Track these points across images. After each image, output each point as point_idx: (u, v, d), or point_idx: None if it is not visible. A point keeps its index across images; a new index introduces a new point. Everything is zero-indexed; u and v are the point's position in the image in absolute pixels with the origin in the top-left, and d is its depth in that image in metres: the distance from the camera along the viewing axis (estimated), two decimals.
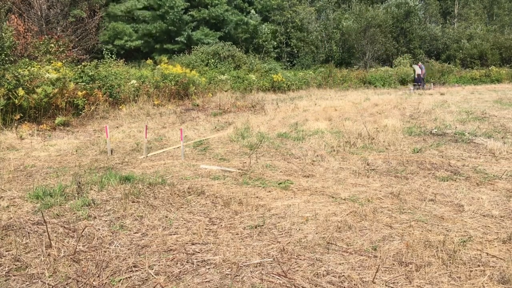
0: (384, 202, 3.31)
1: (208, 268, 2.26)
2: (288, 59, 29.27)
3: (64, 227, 2.83)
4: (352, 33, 28.83)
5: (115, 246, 2.54)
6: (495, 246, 2.49)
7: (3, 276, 2.19)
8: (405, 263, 2.28)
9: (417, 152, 5.12)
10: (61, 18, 17.19)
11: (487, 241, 2.57)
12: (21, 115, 7.13)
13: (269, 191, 3.62)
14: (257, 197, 3.47)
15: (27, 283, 2.13)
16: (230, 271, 2.23)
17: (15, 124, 6.86)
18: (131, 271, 2.24)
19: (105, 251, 2.47)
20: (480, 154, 4.96)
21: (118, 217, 3.01)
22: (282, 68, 20.91)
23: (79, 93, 8.32)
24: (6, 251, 2.46)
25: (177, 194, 3.51)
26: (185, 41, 23.34)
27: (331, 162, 4.71)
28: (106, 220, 2.96)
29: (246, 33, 26.36)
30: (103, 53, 12.37)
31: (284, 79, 16.89)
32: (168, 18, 22.58)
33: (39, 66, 8.88)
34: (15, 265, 2.30)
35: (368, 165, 4.56)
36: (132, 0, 22.75)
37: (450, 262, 2.27)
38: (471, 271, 2.19)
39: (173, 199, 3.40)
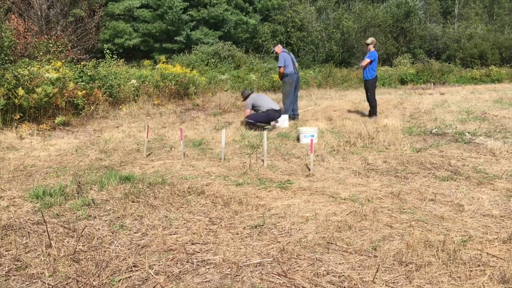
0: (384, 202, 3.31)
1: (208, 268, 2.26)
2: None
3: (64, 227, 2.83)
4: (352, 33, 28.82)
5: (115, 246, 2.54)
6: (495, 246, 2.49)
7: (3, 276, 2.19)
8: (405, 263, 2.28)
9: (417, 152, 5.12)
10: (61, 17, 17.19)
11: (487, 241, 2.56)
12: (21, 114, 7.12)
13: (269, 191, 3.62)
14: (257, 197, 3.47)
15: (27, 283, 2.13)
16: (230, 271, 2.23)
17: (15, 124, 6.86)
18: (131, 271, 2.24)
19: (105, 251, 2.46)
20: (480, 154, 4.96)
21: (118, 217, 3.01)
22: None
23: (79, 92, 8.32)
24: (6, 251, 2.46)
25: (177, 194, 3.51)
26: (184, 41, 23.34)
27: (331, 161, 4.71)
28: (106, 220, 2.96)
29: (246, 33, 26.36)
30: (104, 52, 12.37)
31: None
32: (167, 18, 22.59)
33: (39, 66, 8.88)
34: (15, 265, 2.30)
35: (368, 164, 4.56)
36: None
37: (450, 262, 2.27)
38: (471, 271, 2.19)
39: (173, 199, 3.40)
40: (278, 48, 8.53)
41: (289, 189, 3.68)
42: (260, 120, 7.21)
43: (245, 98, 7.65)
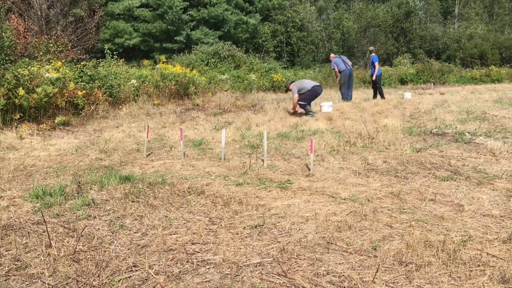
0: (384, 201, 3.31)
1: (208, 268, 2.26)
2: (288, 59, 29.27)
3: (64, 226, 2.83)
4: (352, 33, 28.83)
5: (115, 246, 2.54)
6: (495, 246, 2.49)
7: (3, 276, 2.19)
8: (405, 263, 2.28)
9: (417, 151, 5.12)
10: (61, 17, 17.19)
11: (487, 241, 2.56)
12: (21, 114, 7.12)
13: (269, 191, 3.62)
14: (257, 196, 3.47)
15: (27, 282, 2.13)
16: (230, 270, 2.23)
17: (15, 124, 6.86)
18: (131, 271, 2.24)
19: (105, 251, 2.46)
20: (480, 154, 4.96)
21: (118, 217, 3.01)
22: (282, 68, 20.91)
23: (79, 92, 8.32)
24: (6, 251, 2.46)
25: (177, 194, 3.51)
26: (184, 41, 23.34)
27: (331, 161, 4.71)
28: (106, 220, 2.96)
29: (246, 33, 26.35)
30: (105, 52, 12.36)
31: (284, 79, 16.88)
32: (167, 17, 22.59)
33: (39, 65, 8.88)
34: (15, 265, 2.30)
35: (368, 164, 4.56)
36: None
37: (450, 262, 2.27)
38: (471, 270, 2.19)
39: (173, 198, 3.40)
40: (331, 56, 12.08)
41: (289, 189, 3.68)
42: (309, 98, 8.62)
43: (287, 89, 9.21)
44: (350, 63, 11.84)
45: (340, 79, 11.67)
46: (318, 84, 8.73)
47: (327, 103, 9.42)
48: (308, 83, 8.65)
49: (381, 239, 2.59)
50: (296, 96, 8.55)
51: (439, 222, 2.86)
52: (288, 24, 28.77)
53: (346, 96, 11.75)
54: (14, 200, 3.40)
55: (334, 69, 11.74)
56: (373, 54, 12.45)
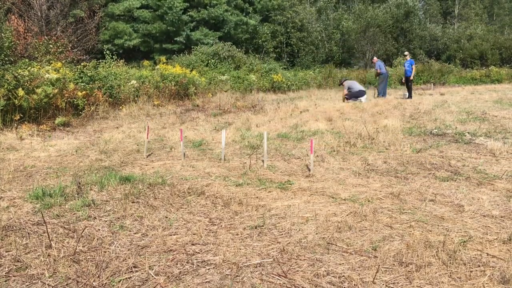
0: (384, 202, 3.31)
1: (208, 269, 2.26)
2: (288, 59, 29.27)
3: (64, 227, 2.83)
4: (352, 33, 28.86)
5: (115, 246, 2.54)
6: (495, 246, 2.49)
7: (3, 277, 2.19)
8: (405, 263, 2.28)
9: (417, 152, 5.12)
10: (61, 18, 17.20)
11: (487, 241, 2.56)
12: (21, 115, 7.13)
13: (269, 192, 3.62)
14: (257, 197, 3.47)
15: (27, 283, 2.13)
16: (230, 271, 2.23)
17: (15, 125, 6.86)
18: (131, 271, 2.24)
19: (105, 252, 2.46)
20: (480, 154, 4.96)
21: (118, 218, 3.01)
22: (282, 68, 20.91)
23: (79, 93, 8.33)
24: (6, 252, 2.46)
25: (177, 195, 3.51)
26: (184, 41, 23.33)
27: (331, 162, 4.71)
28: (106, 221, 2.96)
29: (246, 33, 26.35)
30: (104, 53, 12.37)
31: (284, 80, 16.90)
32: (167, 18, 22.59)
33: (39, 66, 8.89)
34: (15, 266, 2.30)
35: (368, 165, 4.56)
36: None
37: (450, 263, 2.27)
38: (471, 271, 2.19)
39: (173, 199, 3.40)
40: (375, 60, 14.45)
41: (289, 189, 3.68)
42: (353, 96, 12.08)
43: (341, 83, 13.33)
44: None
45: (381, 79, 14.23)
46: (363, 89, 12.39)
47: (364, 96, 12.38)
48: (357, 87, 12.29)
49: (381, 240, 2.59)
50: (345, 91, 12.32)
51: (439, 223, 2.86)
52: (288, 24, 28.76)
53: (383, 94, 14.21)
54: (14, 201, 3.40)
55: (377, 70, 14.04)
56: (409, 58, 14.50)
